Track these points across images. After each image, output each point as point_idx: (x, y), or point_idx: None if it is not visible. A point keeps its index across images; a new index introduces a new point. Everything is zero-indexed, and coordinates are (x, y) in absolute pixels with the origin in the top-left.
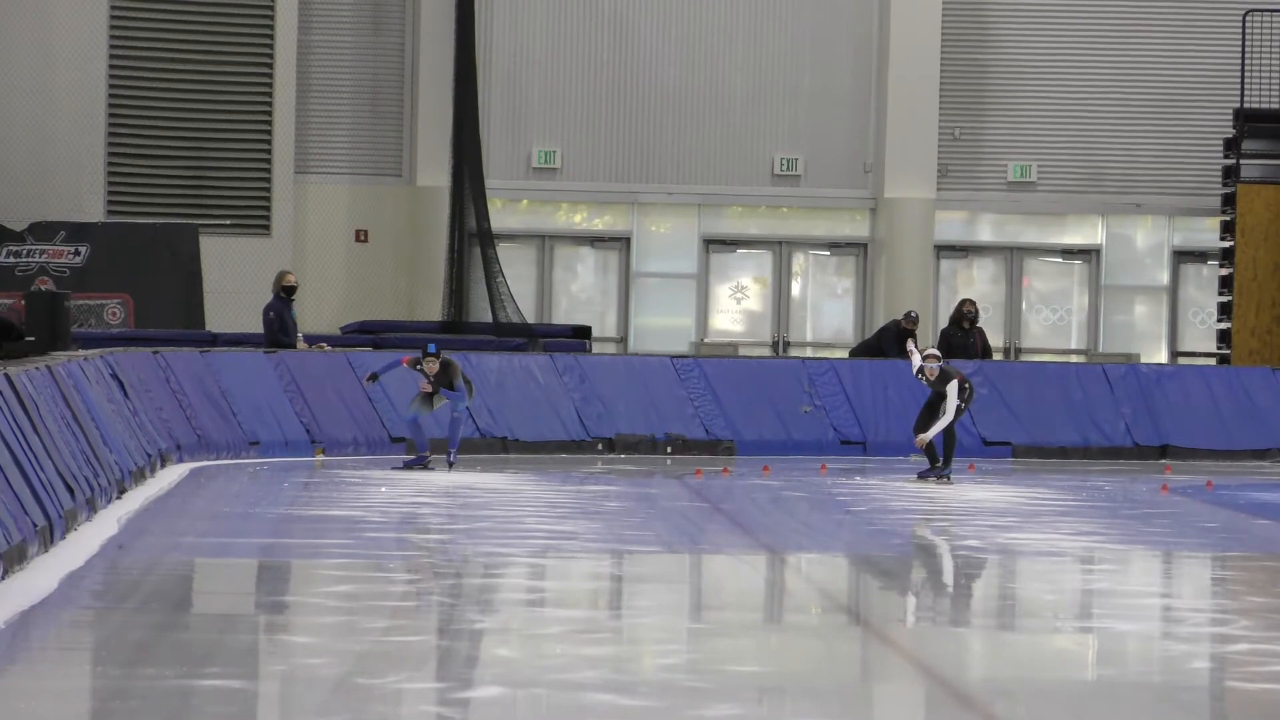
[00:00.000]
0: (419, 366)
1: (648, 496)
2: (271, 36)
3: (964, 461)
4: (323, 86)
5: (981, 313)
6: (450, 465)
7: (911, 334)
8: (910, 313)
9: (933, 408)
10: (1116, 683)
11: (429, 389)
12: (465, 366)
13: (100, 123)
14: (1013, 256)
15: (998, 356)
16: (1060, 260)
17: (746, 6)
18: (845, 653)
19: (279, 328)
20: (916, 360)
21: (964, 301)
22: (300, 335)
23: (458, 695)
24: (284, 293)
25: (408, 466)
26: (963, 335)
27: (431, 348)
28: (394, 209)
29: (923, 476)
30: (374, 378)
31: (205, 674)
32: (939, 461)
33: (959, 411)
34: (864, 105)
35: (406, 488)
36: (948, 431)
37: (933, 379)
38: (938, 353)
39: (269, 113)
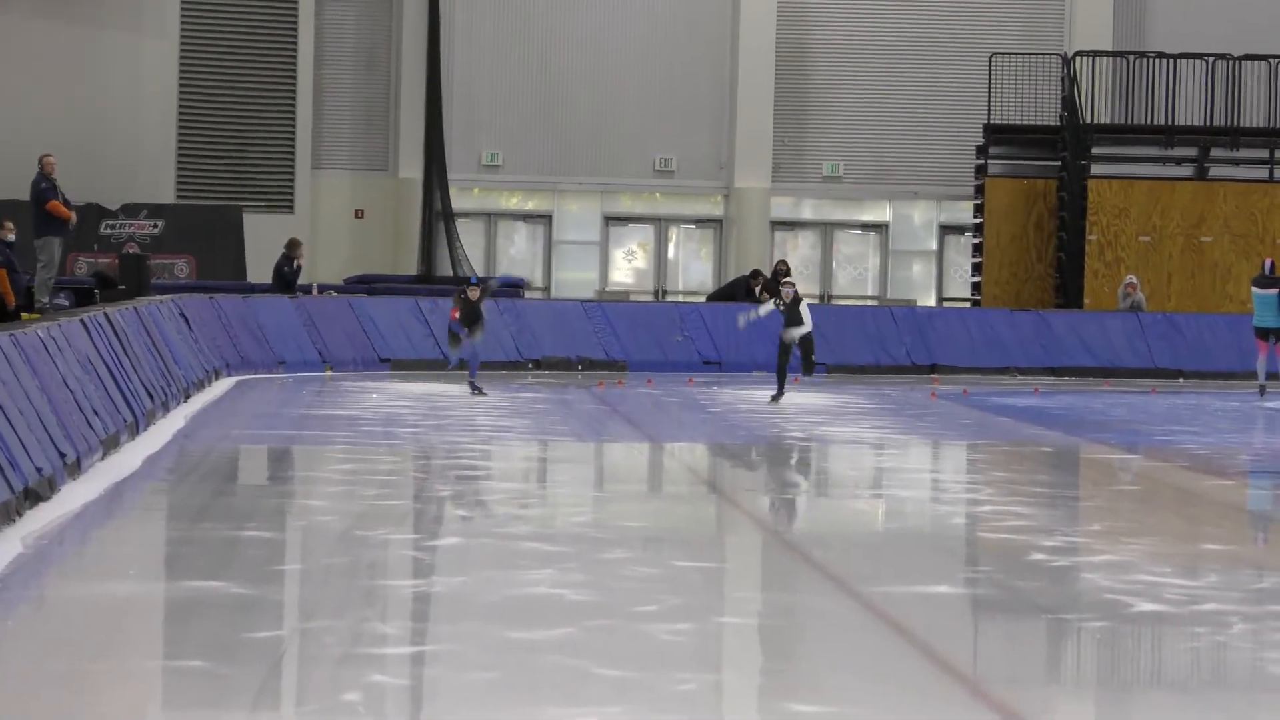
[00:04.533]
0: (462, 294)
1: (564, 401)
2: (294, 69)
3: (791, 376)
4: (332, 106)
5: (800, 270)
6: (473, 386)
7: (751, 285)
8: (755, 270)
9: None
10: (899, 533)
11: (456, 316)
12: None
13: (172, 131)
14: (826, 230)
15: (813, 301)
16: (860, 232)
17: (635, 44)
18: (705, 513)
19: (280, 277)
20: (770, 303)
21: (779, 261)
22: (313, 284)
23: (428, 544)
24: (288, 250)
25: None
26: (778, 285)
27: (474, 279)
28: (382, 194)
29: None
30: (467, 333)
31: (247, 527)
32: (786, 378)
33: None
34: (720, 119)
35: (390, 395)
36: (807, 351)
37: (787, 301)
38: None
39: (293, 124)
